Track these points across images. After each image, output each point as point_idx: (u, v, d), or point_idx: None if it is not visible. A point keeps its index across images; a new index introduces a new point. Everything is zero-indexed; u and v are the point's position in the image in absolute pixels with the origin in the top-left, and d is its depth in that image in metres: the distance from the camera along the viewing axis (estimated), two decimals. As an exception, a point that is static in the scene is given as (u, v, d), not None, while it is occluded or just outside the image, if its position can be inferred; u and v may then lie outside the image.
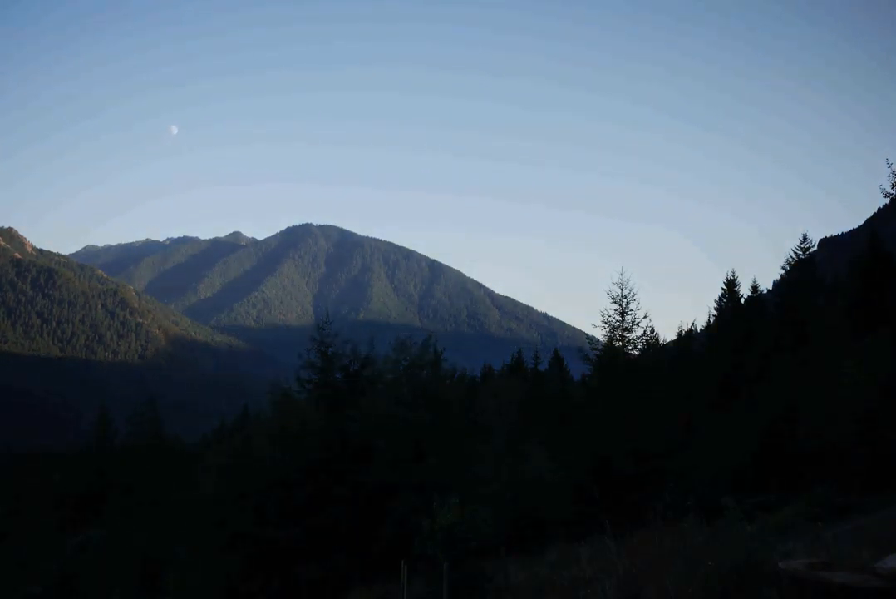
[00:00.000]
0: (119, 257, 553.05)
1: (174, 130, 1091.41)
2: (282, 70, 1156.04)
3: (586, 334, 37.46)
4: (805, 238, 45.17)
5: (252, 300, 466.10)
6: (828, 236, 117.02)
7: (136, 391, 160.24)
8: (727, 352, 42.56)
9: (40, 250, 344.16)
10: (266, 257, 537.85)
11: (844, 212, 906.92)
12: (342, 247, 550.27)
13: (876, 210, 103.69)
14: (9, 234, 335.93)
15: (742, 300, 46.66)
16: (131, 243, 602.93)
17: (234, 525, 22.12)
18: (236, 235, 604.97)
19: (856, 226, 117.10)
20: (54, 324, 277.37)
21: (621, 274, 27.13)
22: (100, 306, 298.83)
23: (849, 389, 24.37)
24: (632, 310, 27.17)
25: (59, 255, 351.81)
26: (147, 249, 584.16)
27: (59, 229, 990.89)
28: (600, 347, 28.79)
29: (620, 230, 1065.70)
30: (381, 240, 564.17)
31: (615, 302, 27.21)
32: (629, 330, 27.24)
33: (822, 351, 29.25)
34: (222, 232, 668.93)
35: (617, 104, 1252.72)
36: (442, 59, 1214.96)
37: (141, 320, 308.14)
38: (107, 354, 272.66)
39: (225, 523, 22.47)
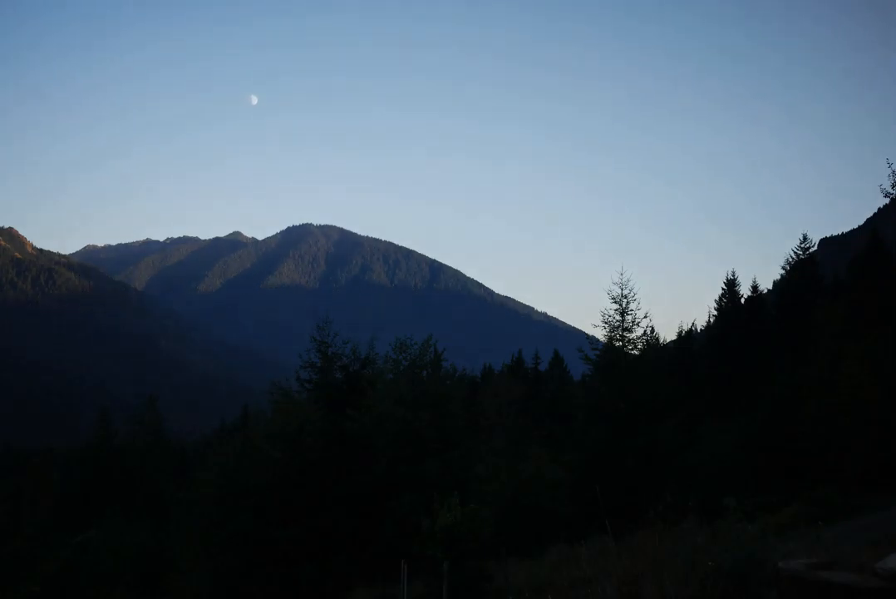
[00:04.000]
0: (119, 257, 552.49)
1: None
2: (279, 70, 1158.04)
3: (586, 334, 37.46)
4: (805, 238, 45.28)
5: (252, 300, 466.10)
6: (828, 236, 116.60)
7: (137, 391, 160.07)
8: (727, 352, 42.60)
9: (40, 250, 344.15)
10: (266, 257, 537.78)
11: (844, 212, 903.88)
12: (342, 247, 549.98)
13: (876, 210, 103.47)
14: (9, 234, 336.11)
15: (742, 300, 46.68)
16: (131, 243, 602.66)
17: (234, 524, 22.09)
18: (236, 234, 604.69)
19: (856, 226, 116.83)
20: (54, 323, 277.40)
21: (621, 274, 27.18)
22: (100, 306, 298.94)
23: (849, 389, 24.38)
24: (632, 310, 27.21)
25: (59, 255, 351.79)
26: (147, 249, 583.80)
27: (59, 229, 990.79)
28: (600, 347, 28.80)
29: (621, 230, 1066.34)
30: (381, 240, 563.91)
31: (615, 302, 27.24)
32: (629, 330, 27.26)
33: (822, 351, 29.25)
34: (222, 232, 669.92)
35: (617, 103, 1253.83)
36: (442, 58, 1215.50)
37: (141, 320, 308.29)
38: (107, 353, 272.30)
39: (225, 523, 22.44)
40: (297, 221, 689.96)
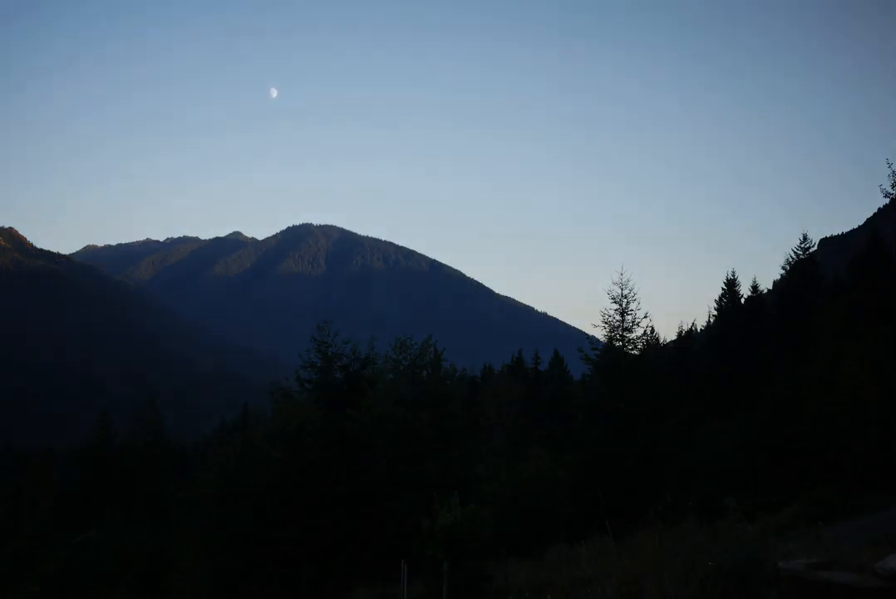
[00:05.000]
0: (119, 257, 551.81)
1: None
2: (284, 71, 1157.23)
3: (586, 334, 37.47)
4: (805, 238, 45.25)
5: (252, 300, 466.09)
6: (828, 236, 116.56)
7: (136, 391, 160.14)
8: (727, 352, 42.60)
9: (40, 250, 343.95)
10: (266, 257, 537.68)
11: (844, 212, 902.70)
12: (342, 247, 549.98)
13: (876, 210, 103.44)
14: (9, 234, 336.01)
15: (742, 300, 46.67)
16: (131, 243, 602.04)
17: (234, 524, 22.09)
18: (236, 234, 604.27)
19: (856, 226, 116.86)
20: (54, 324, 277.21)
21: (621, 274, 27.15)
22: (100, 306, 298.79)
23: (849, 389, 24.38)
24: (632, 310, 27.18)
25: (59, 255, 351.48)
26: (147, 248, 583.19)
27: (59, 229, 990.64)
28: (600, 347, 28.78)
29: (621, 230, 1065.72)
30: (381, 240, 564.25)
31: (615, 302, 27.21)
32: (629, 330, 27.23)
33: (822, 351, 29.25)
34: (222, 232, 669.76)
35: (617, 103, 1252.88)
36: (444, 56, 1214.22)
37: (141, 320, 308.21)
38: (107, 353, 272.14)
39: (225, 523, 22.44)
40: (297, 221, 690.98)
